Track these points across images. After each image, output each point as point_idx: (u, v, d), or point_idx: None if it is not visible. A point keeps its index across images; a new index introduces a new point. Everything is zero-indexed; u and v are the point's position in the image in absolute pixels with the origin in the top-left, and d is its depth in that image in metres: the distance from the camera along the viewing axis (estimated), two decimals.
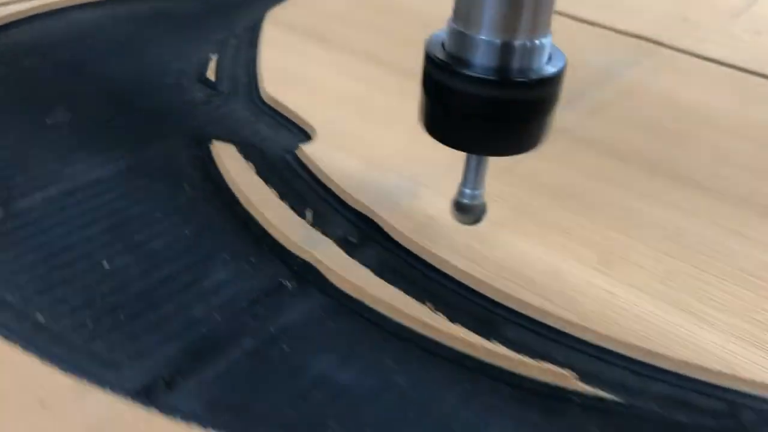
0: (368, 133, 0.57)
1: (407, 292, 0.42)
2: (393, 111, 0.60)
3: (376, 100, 0.62)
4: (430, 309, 0.41)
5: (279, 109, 0.60)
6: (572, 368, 0.38)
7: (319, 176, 0.51)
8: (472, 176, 0.40)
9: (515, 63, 0.33)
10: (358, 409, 0.35)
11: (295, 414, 0.35)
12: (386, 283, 0.42)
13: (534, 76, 0.34)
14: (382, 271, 0.44)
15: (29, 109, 0.57)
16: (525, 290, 0.42)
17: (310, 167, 0.52)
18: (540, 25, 0.34)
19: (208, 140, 0.55)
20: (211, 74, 0.65)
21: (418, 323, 0.40)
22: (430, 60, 0.35)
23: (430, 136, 0.37)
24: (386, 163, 0.53)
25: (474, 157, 0.39)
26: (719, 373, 0.39)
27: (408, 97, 0.62)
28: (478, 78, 0.33)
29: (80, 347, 0.37)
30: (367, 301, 0.41)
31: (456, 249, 0.45)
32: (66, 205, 0.47)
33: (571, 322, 0.41)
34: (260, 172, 0.51)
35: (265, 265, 0.44)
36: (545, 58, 0.34)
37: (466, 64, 0.34)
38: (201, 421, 0.33)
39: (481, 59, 0.33)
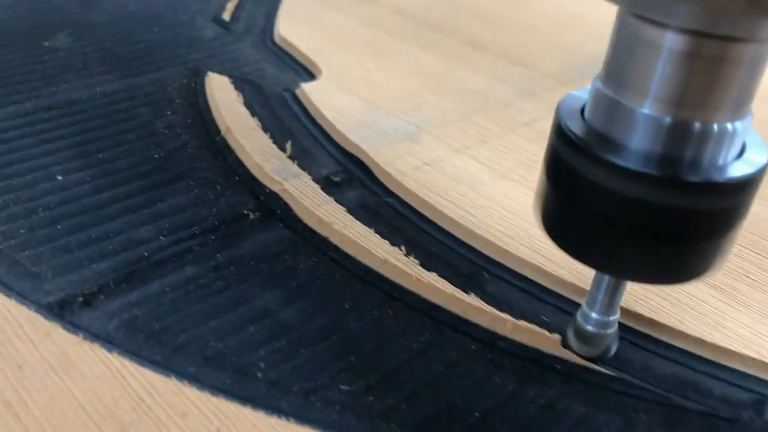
0: (377, 78, 0.52)
1: (382, 234, 0.37)
2: (409, 61, 0.55)
3: (393, 49, 0.57)
4: (403, 253, 0.35)
5: (289, 50, 0.56)
6: (562, 334, 0.32)
7: (312, 111, 0.47)
8: (604, 298, 0.29)
9: (688, 154, 0.23)
10: (295, 351, 0.30)
11: (220, 347, 0.30)
12: (359, 223, 0.37)
13: (713, 178, 0.23)
14: (358, 210, 0.39)
15: (32, 32, 0.55)
16: (520, 245, 0.36)
17: (305, 103, 0.48)
18: (738, 101, 0.22)
19: (205, 73, 0.51)
20: (227, 16, 0.62)
21: (388, 267, 0.35)
22: (560, 133, 0.25)
23: (553, 241, 0.27)
24: (390, 107, 0.48)
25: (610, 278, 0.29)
26: (743, 357, 0.32)
27: (427, 51, 0.58)
28: (631, 171, 0.23)
29: (4, 256, 0.33)
30: (333, 239, 0.36)
31: (449, 197, 0.40)
32: (37, 119, 0.44)
33: (568, 284, 0.35)
34: (248, 103, 0.47)
35: (231, 195, 0.39)
36: (734, 150, 0.24)
37: (616, 147, 0.23)
38: (108, 343, 0.29)
39: (640, 142, 0.23)
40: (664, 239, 0.24)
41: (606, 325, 0.30)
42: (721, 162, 0.23)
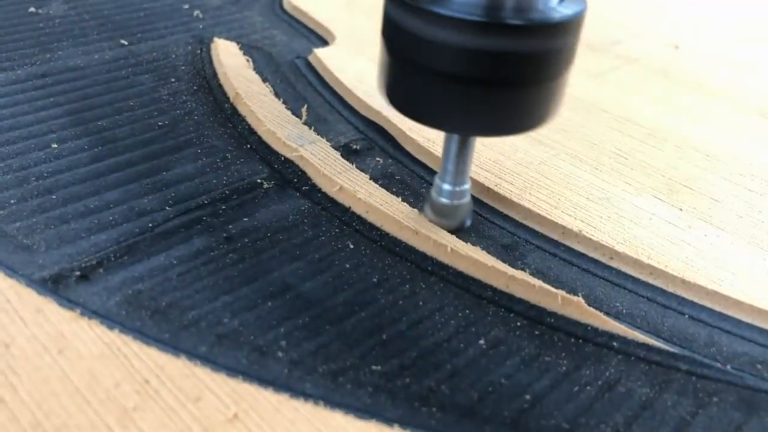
0: None
1: (410, 204, 0.33)
2: None
3: None
4: (431, 221, 0.32)
5: (299, 17, 0.53)
6: (605, 308, 0.29)
7: (327, 78, 0.43)
8: (452, 166, 0.29)
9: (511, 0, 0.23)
10: (319, 328, 0.27)
11: (235, 325, 0.26)
12: (384, 191, 0.34)
13: (537, 19, 0.23)
14: (381, 178, 0.35)
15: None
16: (564, 214, 0.33)
17: (319, 69, 0.44)
18: None
19: (210, 40, 0.47)
20: None
21: (419, 238, 0.31)
22: None
23: (392, 105, 0.27)
24: None
25: (455, 139, 0.29)
26: None
27: None
28: (458, 20, 0.23)
29: None
30: (357, 208, 0.33)
31: (481, 164, 0.36)
32: (30, 87, 0.40)
33: (621, 255, 0.31)
34: (258, 69, 0.43)
35: (242, 163, 0.36)
36: None
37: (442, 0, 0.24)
38: (108, 320, 0.26)
39: None
40: (494, 86, 0.24)
41: (459, 195, 0.30)
42: (541, 6, 0.24)
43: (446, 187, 0.30)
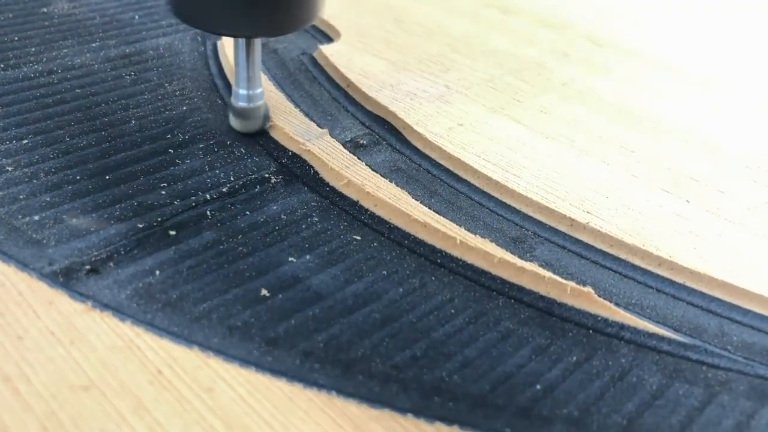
0: (400, 40, 0.48)
1: (417, 197, 0.33)
2: (433, 24, 0.51)
3: (414, 12, 0.54)
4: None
5: None
6: (615, 299, 0.29)
7: (332, 73, 0.43)
8: (245, 72, 0.34)
9: None
10: (330, 319, 0.27)
11: (247, 317, 0.26)
12: (392, 185, 0.34)
13: None
14: (389, 173, 0.35)
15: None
16: (572, 207, 0.33)
17: (324, 65, 0.44)
18: None
19: (217, 37, 0.47)
20: None
21: (428, 231, 0.31)
22: None
23: (177, 17, 0.31)
24: (415, 68, 0.45)
25: (241, 44, 0.33)
26: None
27: (452, 15, 0.54)
28: None
29: (1, 222, 0.30)
30: (365, 202, 0.33)
31: (488, 158, 0.36)
32: (36, 84, 0.40)
33: (627, 245, 0.31)
34: (264, 65, 0.43)
35: (250, 158, 0.36)
36: None
37: None
38: (119, 312, 0.26)
39: None
40: None
41: (253, 98, 0.35)
42: None
43: (242, 91, 0.35)
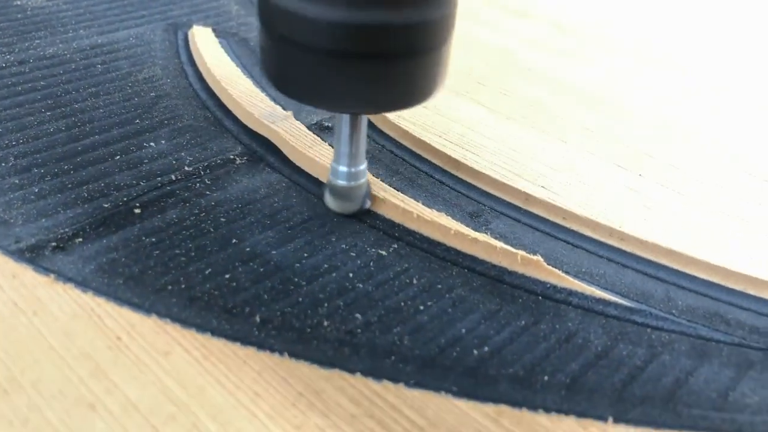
0: None
1: (379, 176, 0.34)
2: None
3: None
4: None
5: None
6: (565, 268, 0.30)
7: None
8: (347, 149, 0.29)
9: None
10: (288, 290, 0.28)
11: (207, 288, 0.27)
12: None
13: None
14: None
15: None
16: (528, 183, 0.34)
17: None
18: None
19: (188, 26, 0.48)
20: None
21: (386, 206, 0.32)
22: None
23: (278, 89, 0.26)
24: None
25: (346, 123, 0.29)
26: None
27: None
28: None
29: None
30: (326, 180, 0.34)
31: (450, 138, 0.37)
32: (8, 73, 0.41)
33: (579, 218, 0.32)
34: (233, 53, 0.44)
35: (217, 141, 0.37)
36: None
37: None
38: (82, 285, 0.26)
39: None
40: (373, 60, 0.23)
41: (355, 176, 0.30)
42: None
43: (342, 168, 0.30)
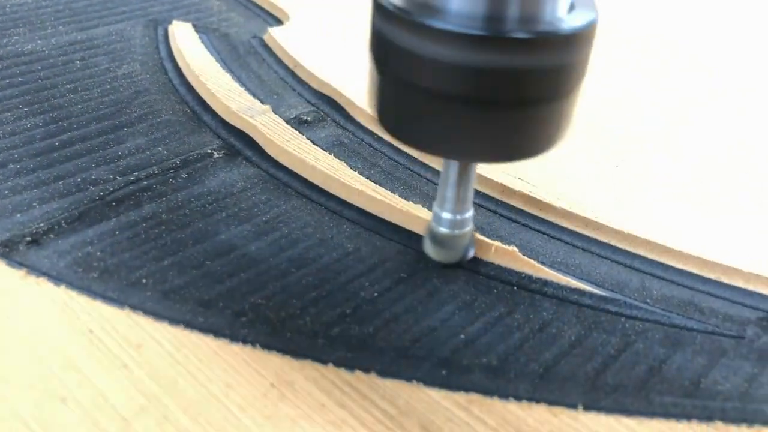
0: (349, 22, 0.49)
1: (357, 169, 0.34)
2: None
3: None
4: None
5: (257, 0, 0.53)
6: (541, 258, 0.30)
7: (279, 53, 0.44)
8: (453, 194, 0.27)
9: (513, 10, 0.21)
10: (263, 283, 0.28)
11: (181, 282, 0.27)
12: (331, 157, 0.35)
13: (544, 31, 0.21)
14: (332, 147, 0.36)
15: None
16: (503, 174, 0.34)
17: (272, 46, 0.45)
18: None
19: (168, 22, 0.48)
20: None
21: (362, 198, 0.32)
22: (380, 9, 0.22)
23: (385, 129, 0.24)
24: (363, 48, 0.45)
25: (454, 165, 0.26)
26: (746, 274, 0.30)
27: None
28: (456, 34, 0.20)
29: None
30: (304, 174, 0.34)
31: None
32: None
33: (556, 209, 0.32)
34: (212, 48, 0.44)
35: (194, 136, 0.37)
36: (562, 6, 0.22)
37: (435, 11, 0.21)
38: (56, 279, 0.26)
39: (460, 3, 0.21)
40: (498, 107, 0.21)
41: (460, 224, 0.28)
42: (549, 17, 0.21)
43: (446, 216, 0.28)
